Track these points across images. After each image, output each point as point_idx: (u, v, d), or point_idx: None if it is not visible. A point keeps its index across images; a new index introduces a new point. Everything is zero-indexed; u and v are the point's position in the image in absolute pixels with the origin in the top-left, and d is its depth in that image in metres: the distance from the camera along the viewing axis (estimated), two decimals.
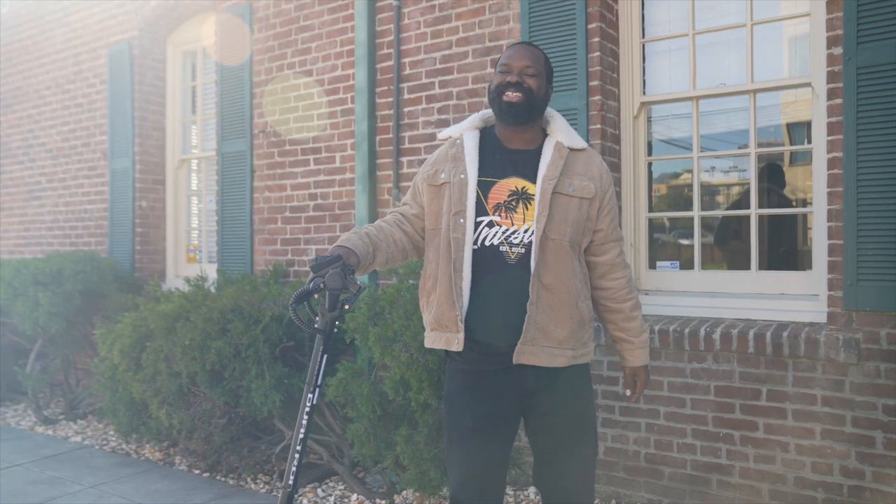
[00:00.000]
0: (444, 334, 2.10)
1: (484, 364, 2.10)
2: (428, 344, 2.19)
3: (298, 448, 1.95)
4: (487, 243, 2.07)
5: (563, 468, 2.15)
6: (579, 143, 2.16)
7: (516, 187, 2.08)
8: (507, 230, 2.06)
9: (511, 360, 2.05)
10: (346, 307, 1.93)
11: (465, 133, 2.19)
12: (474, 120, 2.23)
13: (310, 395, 1.95)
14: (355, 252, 2.00)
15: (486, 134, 2.20)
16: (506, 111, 2.09)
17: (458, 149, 2.17)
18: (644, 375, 2.28)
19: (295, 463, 1.94)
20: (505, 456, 2.15)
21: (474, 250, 2.07)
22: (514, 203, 2.08)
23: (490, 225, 2.07)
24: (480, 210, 2.08)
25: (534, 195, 2.06)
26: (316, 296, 1.92)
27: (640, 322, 2.25)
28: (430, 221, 2.17)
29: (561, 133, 2.14)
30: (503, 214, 2.07)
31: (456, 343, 2.06)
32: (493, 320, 2.06)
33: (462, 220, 2.07)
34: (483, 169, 2.11)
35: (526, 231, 2.05)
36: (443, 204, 2.12)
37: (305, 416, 1.95)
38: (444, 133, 2.26)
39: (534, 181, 2.07)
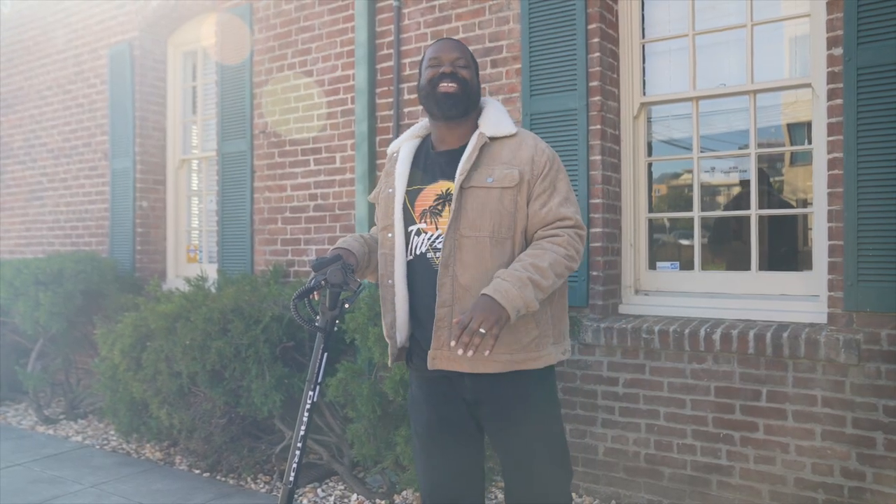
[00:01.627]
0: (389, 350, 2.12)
1: (432, 371, 2.03)
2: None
3: (299, 445, 1.95)
4: (417, 252, 2.03)
5: (521, 487, 2.03)
6: (506, 129, 2.03)
7: (442, 191, 2.03)
8: (431, 235, 2.01)
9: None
10: (346, 306, 1.94)
11: (404, 144, 2.16)
12: (416, 129, 2.19)
13: (310, 393, 1.95)
14: (353, 253, 2.00)
15: (425, 142, 2.17)
16: (443, 102, 2.01)
17: (392, 163, 2.16)
18: (485, 305, 1.77)
19: (296, 460, 1.95)
20: (472, 464, 2.08)
21: (409, 262, 2.04)
22: (439, 207, 2.01)
23: (418, 233, 2.03)
24: (409, 220, 2.05)
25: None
26: (316, 296, 1.94)
27: (530, 269, 1.85)
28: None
29: (487, 123, 2.04)
30: (428, 220, 2.02)
31: (390, 357, 2.09)
32: (426, 328, 2.01)
33: (390, 235, 2.05)
34: (413, 178, 2.08)
35: None
36: None
37: (306, 414, 1.96)
38: (389, 148, 2.26)
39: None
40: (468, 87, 2.03)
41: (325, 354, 1.97)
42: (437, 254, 1.98)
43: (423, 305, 2.01)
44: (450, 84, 2.00)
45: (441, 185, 2.03)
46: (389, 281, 2.04)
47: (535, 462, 2.01)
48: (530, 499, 2.02)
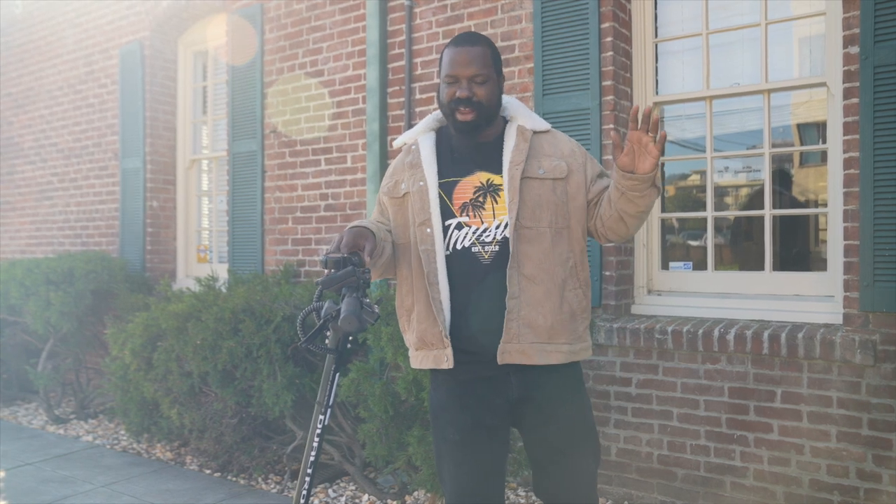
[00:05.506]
0: (430, 353, 1.99)
1: (467, 373, 1.98)
2: (414, 365, 2.06)
3: (309, 471, 1.83)
4: (459, 246, 1.96)
5: (561, 480, 2.02)
6: (542, 125, 2.05)
7: (481, 182, 1.97)
8: (477, 230, 1.95)
9: (499, 366, 1.93)
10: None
11: (420, 137, 2.09)
12: (429, 121, 2.12)
13: (321, 417, 1.83)
14: (372, 232, 1.86)
15: (443, 133, 2.09)
16: (461, 128, 1.99)
17: (414, 155, 2.06)
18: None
19: (305, 486, 1.84)
20: (498, 468, 2.03)
21: (447, 257, 1.96)
22: (481, 200, 1.97)
23: (459, 227, 1.96)
24: (447, 213, 1.97)
25: (501, 186, 1.95)
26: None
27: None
28: (398, 236, 2.06)
29: (522, 117, 2.03)
30: (471, 214, 1.96)
31: (445, 360, 1.95)
32: (476, 328, 1.94)
33: (429, 230, 1.96)
34: (444, 171, 2.01)
35: (498, 227, 1.94)
36: (408, 216, 2.03)
37: (317, 439, 1.83)
38: (398, 141, 2.16)
39: (499, 172, 1.96)
40: (485, 110, 1.97)
41: (338, 375, 1.83)
42: (485, 248, 1.95)
43: (469, 302, 1.95)
44: (467, 113, 1.95)
45: (479, 177, 1.98)
46: (434, 279, 1.95)
47: (576, 452, 2.02)
48: (570, 488, 2.02)
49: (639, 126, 1.80)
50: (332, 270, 1.76)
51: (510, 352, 1.92)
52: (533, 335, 1.92)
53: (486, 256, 1.95)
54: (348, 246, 1.79)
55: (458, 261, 1.96)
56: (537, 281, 1.93)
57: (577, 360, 2.02)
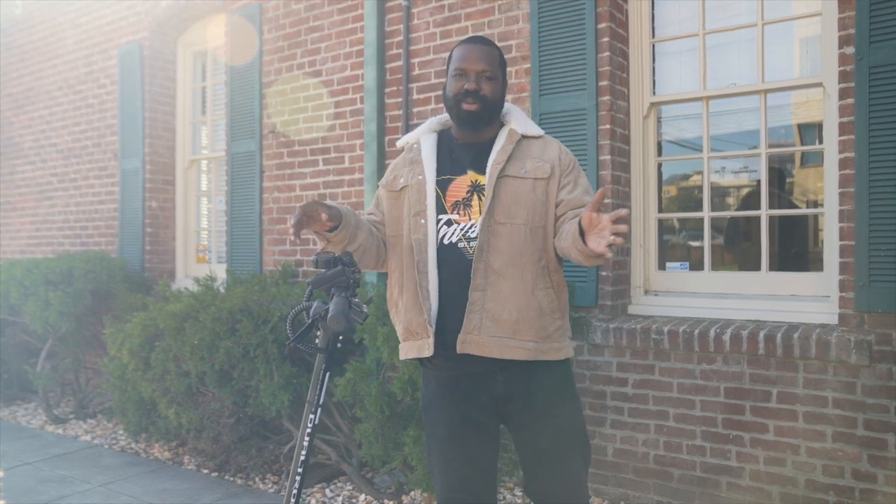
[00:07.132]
0: (415, 342, 2.03)
1: (454, 369, 2.02)
2: (402, 356, 2.11)
3: (300, 471, 1.84)
4: (446, 241, 2.02)
5: (549, 482, 2.04)
6: (534, 130, 2.12)
7: (471, 181, 2.05)
8: (464, 226, 2.01)
9: (483, 363, 1.96)
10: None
11: (422, 137, 2.18)
12: (431, 124, 2.21)
13: (311, 416, 1.83)
14: (340, 212, 1.94)
15: (444, 136, 2.18)
16: (465, 120, 2.06)
17: (415, 153, 2.15)
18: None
19: (296, 486, 1.84)
20: (488, 465, 2.06)
21: (436, 250, 2.02)
22: (470, 199, 2.04)
23: (448, 223, 2.03)
24: (440, 209, 2.04)
25: (485, 185, 2.02)
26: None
27: None
28: (391, 228, 2.14)
29: (515, 122, 2.11)
30: (461, 211, 2.03)
31: (427, 349, 1.98)
32: (457, 321, 1.97)
33: (423, 221, 2.04)
34: (441, 169, 2.09)
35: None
36: (403, 209, 2.10)
37: (307, 439, 1.84)
38: (401, 140, 2.25)
39: (485, 172, 2.04)
40: (489, 104, 2.06)
41: (328, 375, 1.85)
42: (471, 244, 2.00)
43: (451, 294, 1.99)
44: (472, 104, 2.04)
45: (470, 177, 2.06)
46: (424, 267, 2.02)
47: (564, 454, 2.03)
48: (557, 491, 2.03)
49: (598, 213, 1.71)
50: (323, 270, 1.78)
51: (469, 342, 1.95)
52: (495, 328, 1.96)
53: (471, 251, 2.00)
54: (296, 218, 1.88)
55: (446, 255, 2.01)
56: (506, 276, 1.97)
57: (553, 360, 2.02)
